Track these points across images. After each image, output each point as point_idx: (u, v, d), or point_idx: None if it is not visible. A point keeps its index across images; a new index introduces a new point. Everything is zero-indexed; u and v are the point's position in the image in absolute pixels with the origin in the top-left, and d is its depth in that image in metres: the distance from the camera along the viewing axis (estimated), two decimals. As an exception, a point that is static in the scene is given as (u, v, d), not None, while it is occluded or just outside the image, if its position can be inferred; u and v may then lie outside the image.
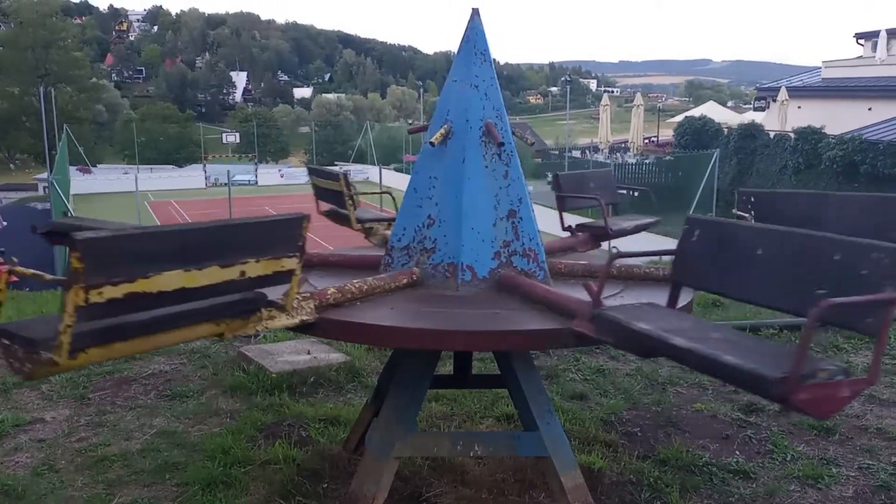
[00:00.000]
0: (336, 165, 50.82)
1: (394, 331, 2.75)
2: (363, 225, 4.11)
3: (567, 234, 4.26)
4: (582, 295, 2.75)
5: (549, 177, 34.45)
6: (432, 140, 3.26)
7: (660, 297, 2.88)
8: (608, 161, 31.79)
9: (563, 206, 4.25)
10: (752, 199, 3.46)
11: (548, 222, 4.60)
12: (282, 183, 44.92)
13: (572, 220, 4.36)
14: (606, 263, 3.02)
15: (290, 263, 2.42)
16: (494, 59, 3.61)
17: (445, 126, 3.29)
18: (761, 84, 41.45)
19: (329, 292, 2.85)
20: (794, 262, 2.34)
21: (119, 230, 2.08)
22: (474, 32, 3.38)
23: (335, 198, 4.25)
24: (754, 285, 2.46)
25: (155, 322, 2.15)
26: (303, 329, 2.77)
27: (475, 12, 3.41)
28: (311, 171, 4.54)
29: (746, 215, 3.50)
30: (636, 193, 6.31)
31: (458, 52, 3.42)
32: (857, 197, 3.63)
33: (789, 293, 2.33)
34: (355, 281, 3.01)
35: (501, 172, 3.28)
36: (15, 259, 2.11)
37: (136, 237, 2.10)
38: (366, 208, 4.40)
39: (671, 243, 2.88)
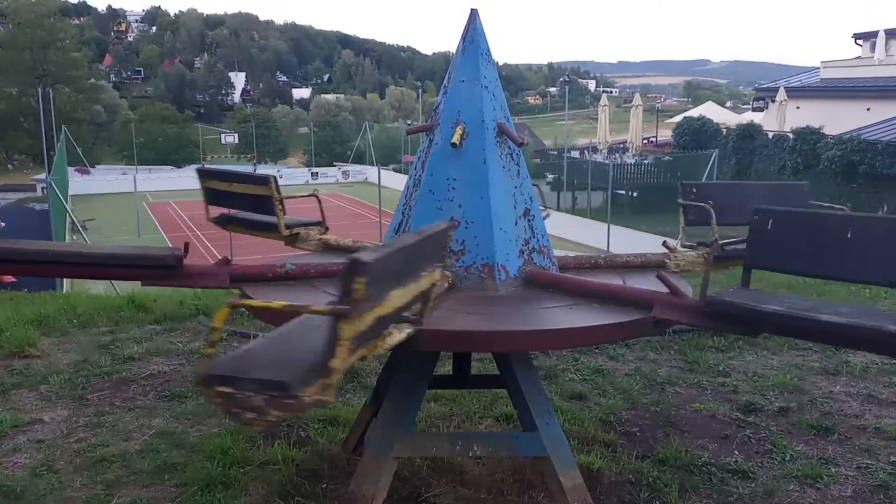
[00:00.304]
0: (335, 166, 50.95)
1: (504, 335, 2.73)
2: (291, 231, 3.89)
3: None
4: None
5: (549, 177, 34.14)
6: (454, 141, 3.25)
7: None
8: (607, 161, 31.79)
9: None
10: (694, 190, 3.76)
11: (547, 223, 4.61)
12: (280, 183, 44.76)
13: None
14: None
15: (434, 276, 2.32)
16: (494, 60, 3.62)
17: (462, 126, 3.29)
18: (760, 84, 41.47)
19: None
20: (884, 244, 2.57)
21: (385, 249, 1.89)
22: (477, 33, 3.40)
23: (248, 203, 3.90)
24: (850, 266, 2.69)
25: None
26: (409, 343, 2.52)
27: (474, 13, 3.42)
28: (205, 174, 4.07)
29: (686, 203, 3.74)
30: (636, 194, 6.23)
31: (462, 51, 3.41)
32: (758, 185, 4.29)
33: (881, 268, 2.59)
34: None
35: (515, 172, 3.37)
36: None
37: (391, 256, 1.88)
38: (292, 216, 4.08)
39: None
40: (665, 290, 2.86)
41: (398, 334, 2.27)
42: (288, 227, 3.87)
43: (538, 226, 3.39)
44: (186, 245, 3.33)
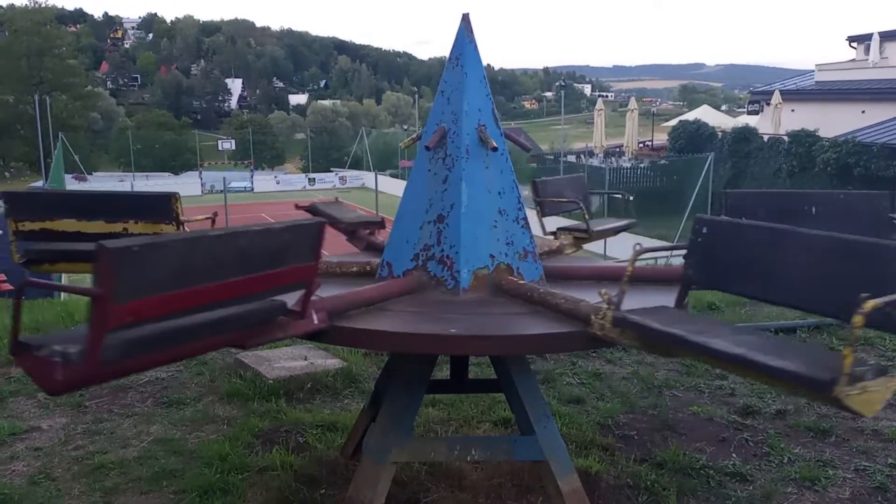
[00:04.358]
0: (332, 172, 50.93)
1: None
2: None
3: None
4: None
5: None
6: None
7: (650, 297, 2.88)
8: (603, 166, 31.84)
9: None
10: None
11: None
12: (278, 189, 44.90)
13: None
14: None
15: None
16: (488, 64, 3.63)
17: (419, 132, 3.44)
18: (755, 88, 41.61)
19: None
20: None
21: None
22: (456, 37, 3.40)
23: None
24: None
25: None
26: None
27: (464, 17, 3.43)
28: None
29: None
30: (632, 198, 6.22)
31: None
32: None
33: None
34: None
35: (442, 177, 3.25)
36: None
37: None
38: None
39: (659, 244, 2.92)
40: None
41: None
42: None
43: (450, 235, 3.17)
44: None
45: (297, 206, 3.89)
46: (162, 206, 3.13)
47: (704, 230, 2.70)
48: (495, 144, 3.25)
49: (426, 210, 3.24)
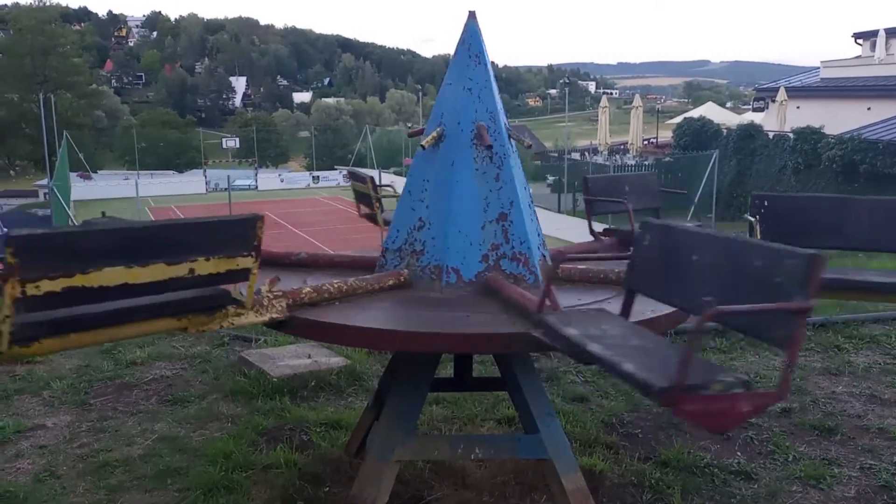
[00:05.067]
0: (336, 169, 50.93)
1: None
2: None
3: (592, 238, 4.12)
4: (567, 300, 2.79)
5: (549, 179, 34.00)
6: (423, 143, 3.30)
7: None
8: (607, 163, 31.77)
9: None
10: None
11: (548, 225, 4.59)
12: (282, 187, 44.90)
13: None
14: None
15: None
16: (493, 62, 3.62)
17: (438, 129, 3.32)
18: (760, 84, 41.49)
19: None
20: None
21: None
22: (470, 35, 3.40)
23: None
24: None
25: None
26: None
27: (472, 15, 3.42)
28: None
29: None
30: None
31: (455, 54, 3.44)
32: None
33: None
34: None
35: (492, 175, 3.27)
36: None
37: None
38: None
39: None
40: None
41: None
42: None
43: (517, 232, 3.24)
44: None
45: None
46: (242, 233, 2.51)
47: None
48: (529, 142, 3.36)
49: (484, 210, 3.23)
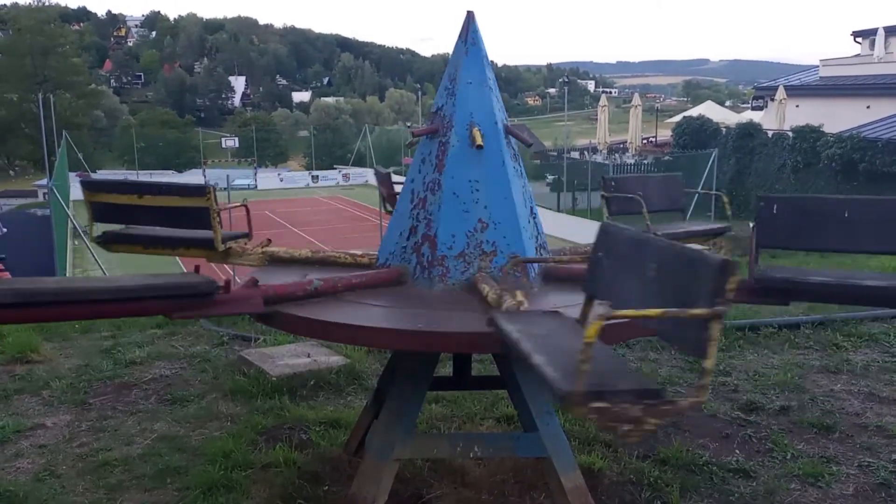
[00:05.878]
0: (335, 169, 50.96)
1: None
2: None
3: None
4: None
5: (549, 178, 33.76)
6: (479, 143, 3.25)
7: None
8: (606, 162, 31.76)
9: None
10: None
11: (548, 225, 4.59)
12: (281, 187, 44.92)
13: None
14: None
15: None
16: (492, 61, 3.65)
17: (478, 129, 3.30)
18: (759, 83, 41.48)
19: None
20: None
21: None
22: (477, 35, 3.43)
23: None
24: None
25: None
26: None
27: (471, 15, 3.43)
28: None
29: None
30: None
31: (465, 53, 3.42)
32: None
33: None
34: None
35: (520, 171, 3.47)
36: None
37: None
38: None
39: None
40: None
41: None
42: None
43: (539, 223, 3.51)
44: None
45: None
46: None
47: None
48: (531, 140, 3.48)
49: (524, 204, 3.38)
